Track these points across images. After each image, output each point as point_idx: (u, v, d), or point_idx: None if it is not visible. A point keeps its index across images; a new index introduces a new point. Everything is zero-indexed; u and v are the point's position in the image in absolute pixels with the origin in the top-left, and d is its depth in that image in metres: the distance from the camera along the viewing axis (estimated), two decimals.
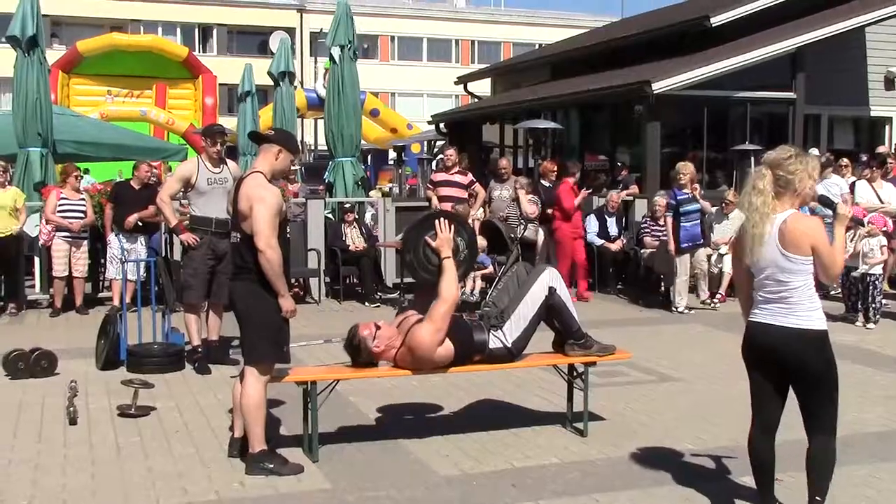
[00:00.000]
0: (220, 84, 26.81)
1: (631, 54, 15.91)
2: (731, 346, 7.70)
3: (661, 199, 11.10)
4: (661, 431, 5.67)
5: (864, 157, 13.41)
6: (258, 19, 42.20)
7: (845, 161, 12.14)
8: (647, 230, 11.40)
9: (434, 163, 19.60)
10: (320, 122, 22.99)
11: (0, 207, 9.76)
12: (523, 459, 5.12)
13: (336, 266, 11.22)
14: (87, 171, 17.93)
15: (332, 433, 5.49)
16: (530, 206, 11.05)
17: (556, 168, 11.82)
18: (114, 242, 9.90)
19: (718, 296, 10.63)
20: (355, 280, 11.70)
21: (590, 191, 12.05)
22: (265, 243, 4.69)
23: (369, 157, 28.15)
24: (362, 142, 14.99)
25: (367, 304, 10.90)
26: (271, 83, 17.00)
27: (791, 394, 4.01)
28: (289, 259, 5.04)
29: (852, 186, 11.19)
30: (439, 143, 23.55)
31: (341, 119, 12.58)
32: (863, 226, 9.34)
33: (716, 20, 14.19)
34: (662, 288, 11.03)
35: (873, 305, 9.40)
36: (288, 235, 6.47)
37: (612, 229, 11.86)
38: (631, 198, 12.76)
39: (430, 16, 46.34)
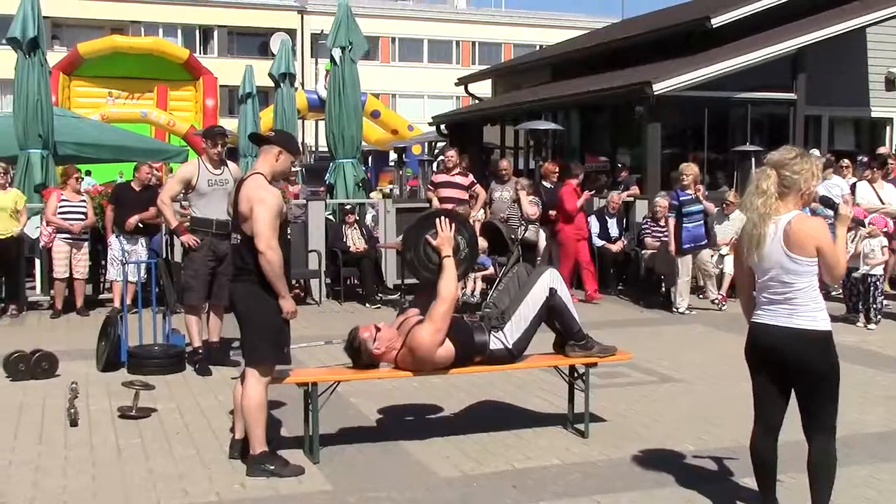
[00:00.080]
0: (220, 85, 26.88)
1: (631, 55, 15.91)
2: (731, 347, 7.70)
3: (661, 200, 11.10)
4: (662, 432, 5.67)
5: (864, 159, 13.39)
6: (259, 21, 42.23)
7: (846, 162, 12.14)
8: (647, 231, 11.40)
9: (435, 164, 19.58)
10: (321, 124, 22.98)
11: (1, 209, 9.76)
12: (524, 461, 5.12)
13: (337, 267, 11.22)
14: (88, 173, 17.97)
15: (332, 434, 5.49)
16: (531, 207, 11.05)
17: (557, 169, 11.82)
18: (114, 244, 9.90)
19: (719, 296, 10.62)
20: (356, 281, 11.70)
21: (592, 192, 12.05)
22: (266, 245, 4.69)
23: (370, 158, 28.13)
24: (363, 143, 15.00)
25: (367, 305, 10.90)
26: (272, 85, 17.03)
27: (792, 394, 4.01)
28: (289, 260, 5.04)
29: (853, 187, 11.19)
30: (440, 144, 23.55)
31: (342, 120, 12.59)
32: (863, 226, 9.34)
33: (716, 21, 14.19)
34: (663, 289, 11.03)
35: (874, 306, 9.40)
36: (289, 237, 6.48)
37: (613, 230, 11.86)
38: (632, 199, 12.76)
39: (431, 17, 46.37)
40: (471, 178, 10.83)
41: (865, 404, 6.26)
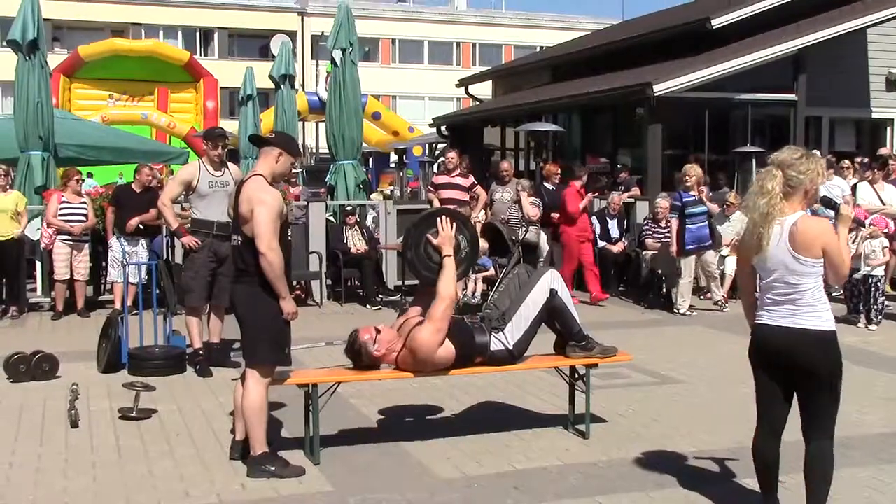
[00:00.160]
0: (221, 87, 26.87)
1: (632, 56, 15.92)
2: (733, 348, 7.70)
3: (662, 201, 11.10)
4: (662, 433, 5.66)
5: (865, 160, 13.38)
6: (259, 23, 42.22)
7: (846, 162, 12.14)
8: (648, 232, 11.40)
9: (435, 165, 19.57)
10: (321, 125, 22.97)
11: (1, 211, 9.77)
12: (525, 461, 5.12)
13: (337, 268, 11.22)
14: (90, 175, 17.99)
15: (333, 435, 5.48)
16: (532, 208, 11.05)
17: (558, 170, 11.81)
18: (115, 246, 9.91)
19: (722, 297, 10.61)
20: (357, 282, 11.70)
21: (595, 194, 12.05)
22: (266, 246, 4.69)
23: (370, 159, 28.11)
24: (363, 145, 14.99)
25: (368, 306, 10.90)
26: (272, 86, 17.02)
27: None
28: (290, 261, 5.04)
29: (854, 188, 11.19)
30: (440, 145, 23.54)
31: (343, 122, 12.60)
32: (864, 227, 9.34)
33: (717, 22, 14.21)
34: (664, 289, 11.02)
35: (875, 307, 9.40)
36: (289, 238, 6.48)
37: (614, 231, 11.87)
38: (632, 200, 12.76)
39: (431, 19, 46.35)
40: (471, 179, 10.83)
41: (866, 405, 6.25)
